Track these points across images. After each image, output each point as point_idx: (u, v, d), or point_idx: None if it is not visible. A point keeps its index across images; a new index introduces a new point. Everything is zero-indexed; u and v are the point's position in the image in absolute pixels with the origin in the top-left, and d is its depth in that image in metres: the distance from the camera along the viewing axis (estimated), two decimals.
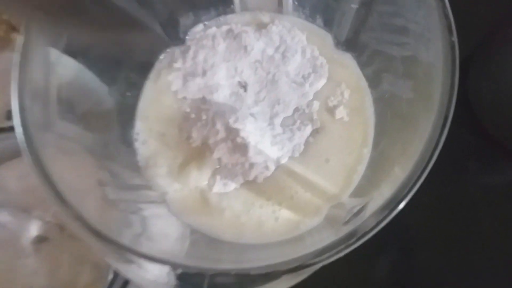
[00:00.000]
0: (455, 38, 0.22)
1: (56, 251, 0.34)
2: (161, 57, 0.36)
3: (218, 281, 0.22)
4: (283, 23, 0.36)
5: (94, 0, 0.28)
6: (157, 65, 0.36)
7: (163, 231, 0.30)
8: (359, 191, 0.30)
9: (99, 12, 0.29)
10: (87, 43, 0.30)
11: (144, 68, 0.35)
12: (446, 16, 0.22)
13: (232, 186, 0.32)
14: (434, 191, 0.35)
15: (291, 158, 0.32)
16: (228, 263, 0.26)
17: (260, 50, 0.35)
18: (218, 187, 0.32)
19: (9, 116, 0.26)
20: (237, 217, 0.31)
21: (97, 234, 0.22)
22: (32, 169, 0.23)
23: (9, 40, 0.37)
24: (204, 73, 0.34)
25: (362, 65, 0.34)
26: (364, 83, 0.34)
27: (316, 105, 0.34)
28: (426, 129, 0.21)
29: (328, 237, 0.24)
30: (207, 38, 0.35)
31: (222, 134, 0.32)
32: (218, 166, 0.32)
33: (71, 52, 0.28)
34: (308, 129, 0.33)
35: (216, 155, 0.32)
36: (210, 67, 0.34)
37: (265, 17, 0.37)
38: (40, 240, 0.34)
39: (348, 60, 0.35)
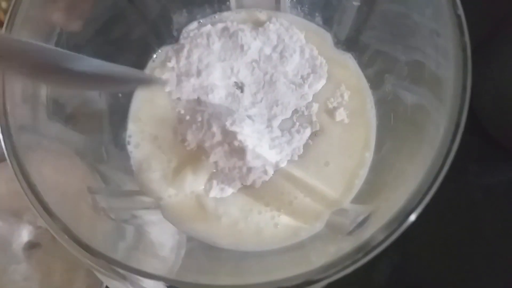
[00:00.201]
0: (467, 39, 0.21)
1: (48, 258, 0.33)
2: (154, 56, 0.35)
3: None
4: (280, 21, 0.35)
5: None
6: (150, 65, 0.35)
7: (158, 240, 0.29)
8: (362, 197, 0.29)
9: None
10: (76, 40, 0.29)
11: (136, 67, 0.34)
12: (457, 15, 0.21)
13: (229, 191, 0.31)
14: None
15: (290, 161, 0.32)
16: (226, 276, 0.25)
17: (257, 49, 0.34)
18: (214, 192, 0.31)
19: None
20: (235, 224, 0.30)
21: (86, 248, 0.21)
22: (16, 177, 0.22)
23: None
24: (199, 73, 0.33)
25: (363, 66, 0.33)
26: (365, 84, 0.33)
27: (315, 107, 0.33)
28: (436, 135, 0.20)
29: (331, 248, 0.24)
30: (202, 36, 0.34)
31: (218, 137, 0.31)
32: (215, 170, 0.31)
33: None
34: (308, 132, 0.32)
35: (212, 158, 0.31)
36: (205, 66, 0.33)
37: (262, 15, 0.36)
38: (32, 246, 0.34)
39: (348, 60, 0.34)
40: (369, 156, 0.31)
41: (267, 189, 0.31)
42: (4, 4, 0.36)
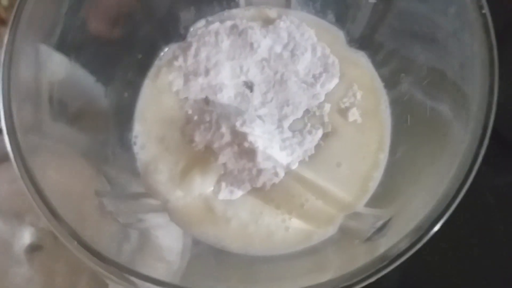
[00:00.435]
0: (493, 39, 0.20)
1: (50, 260, 0.33)
2: (161, 54, 0.35)
3: None
4: (291, 18, 0.34)
5: None
6: (156, 63, 0.34)
7: (165, 243, 0.29)
8: (377, 201, 0.29)
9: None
10: (80, 39, 0.29)
11: (142, 66, 0.34)
12: (483, 14, 0.20)
13: (238, 193, 0.30)
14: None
15: (301, 163, 0.31)
16: (236, 283, 0.24)
17: (267, 47, 0.33)
18: (223, 195, 0.30)
19: None
20: (244, 227, 0.30)
21: (93, 253, 0.21)
22: (21, 178, 0.22)
23: None
24: (207, 72, 0.33)
25: (378, 65, 0.32)
26: (379, 84, 0.32)
27: (327, 107, 0.32)
28: (462, 139, 0.19)
29: (347, 254, 0.23)
30: (210, 34, 0.33)
31: (227, 137, 0.30)
32: (223, 172, 0.31)
33: (63, 49, 0.27)
34: (319, 133, 0.31)
35: (221, 160, 0.30)
36: (213, 65, 0.33)
37: (271, 12, 0.35)
38: (34, 248, 0.33)
39: (361, 59, 0.33)
40: (383, 158, 0.30)
41: (278, 191, 0.30)
42: (5, 2, 0.35)
